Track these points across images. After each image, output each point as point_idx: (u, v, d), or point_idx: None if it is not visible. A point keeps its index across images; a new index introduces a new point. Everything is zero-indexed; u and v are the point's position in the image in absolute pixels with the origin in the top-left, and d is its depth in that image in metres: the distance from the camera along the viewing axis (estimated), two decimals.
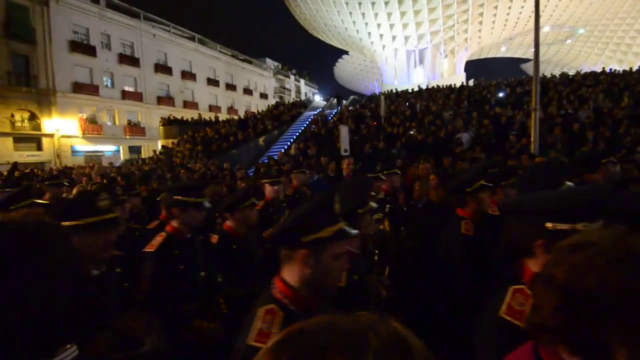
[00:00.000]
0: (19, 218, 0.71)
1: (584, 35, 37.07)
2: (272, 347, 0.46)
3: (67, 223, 1.42)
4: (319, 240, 1.17)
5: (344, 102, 22.53)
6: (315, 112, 20.99)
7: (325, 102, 25.23)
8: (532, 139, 7.65)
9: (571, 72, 18.89)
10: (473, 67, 42.02)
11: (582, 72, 19.00)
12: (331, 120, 17.30)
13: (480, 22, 32.69)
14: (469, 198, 2.52)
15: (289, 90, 51.85)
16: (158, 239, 2.28)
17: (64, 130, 23.29)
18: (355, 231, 1.30)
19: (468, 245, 2.37)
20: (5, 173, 12.87)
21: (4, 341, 0.61)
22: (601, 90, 12.86)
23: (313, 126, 18.55)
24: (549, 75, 18.78)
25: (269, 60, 48.72)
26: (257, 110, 25.78)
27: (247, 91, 41.51)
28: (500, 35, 36.19)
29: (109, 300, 1.66)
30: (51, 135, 22.87)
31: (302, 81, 57.20)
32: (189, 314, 2.20)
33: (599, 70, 18.77)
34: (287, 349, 0.45)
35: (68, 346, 0.72)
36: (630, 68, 17.77)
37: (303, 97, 47.71)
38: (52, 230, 0.73)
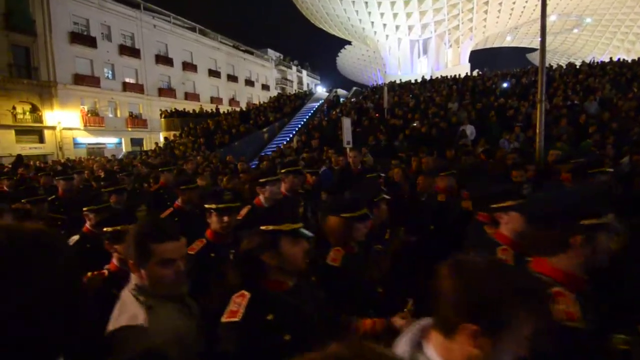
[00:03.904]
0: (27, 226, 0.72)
1: (591, 24, 36.38)
2: None
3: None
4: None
5: (347, 93, 22.35)
6: (318, 104, 20.83)
7: (327, 93, 25.03)
8: (537, 130, 7.51)
9: (578, 62, 18.55)
10: (478, 57, 41.46)
11: (589, 61, 18.69)
12: (333, 112, 17.16)
13: (486, 11, 32.14)
14: None
15: (291, 81, 51.46)
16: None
17: (65, 123, 23.25)
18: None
19: None
20: (8, 166, 12.84)
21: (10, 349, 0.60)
22: (608, 81, 12.63)
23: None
24: (555, 66, 18.49)
25: (270, 51, 48.26)
26: (259, 102, 25.63)
27: (249, 82, 41.24)
28: (506, 24, 35.58)
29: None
30: (53, 128, 22.84)
31: (304, 72, 56.72)
32: None
33: (606, 60, 18.44)
34: None
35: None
36: (639, 58, 17.44)
37: (305, 88, 47.38)
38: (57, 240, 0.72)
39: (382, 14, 32.79)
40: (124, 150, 25.11)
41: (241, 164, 8.44)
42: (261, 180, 3.04)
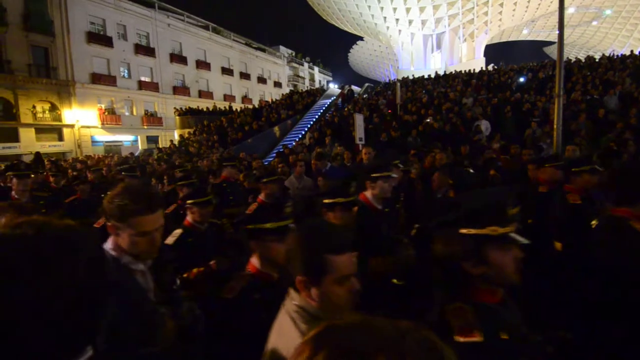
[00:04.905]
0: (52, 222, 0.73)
1: (611, 16, 35.28)
2: (310, 341, 0.48)
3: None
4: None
5: (359, 89, 22.24)
6: (330, 100, 20.80)
7: (340, 90, 24.96)
8: (555, 125, 7.37)
9: (597, 56, 18.06)
10: (493, 51, 40.77)
11: (609, 54, 18.17)
12: (345, 109, 17.13)
13: (501, 4, 31.48)
14: None
15: (303, 78, 51.45)
16: None
17: (83, 121, 23.79)
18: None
19: None
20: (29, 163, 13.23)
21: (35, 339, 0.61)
22: (628, 74, 12.28)
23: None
24: (573, 59, 18.03)
25: (282, 48, 48.33)
26: (271, 99, 25.73)
27: (261, 80, 41.40)
28: (522, 17, 34.81)
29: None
30: (71, 126, 23.40)
31: (316, 69, 56.61)
32: None
33: (626, 53, 17.90)
34: (325, 346, 0.46)
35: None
36: None
37: (317, 85, 47.35)
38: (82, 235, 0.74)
39: (394, 9, 32.45)
40: (140, 147, 25.58)
41: (256, 161, 8.53)
42: (373, 175, 2.80)
